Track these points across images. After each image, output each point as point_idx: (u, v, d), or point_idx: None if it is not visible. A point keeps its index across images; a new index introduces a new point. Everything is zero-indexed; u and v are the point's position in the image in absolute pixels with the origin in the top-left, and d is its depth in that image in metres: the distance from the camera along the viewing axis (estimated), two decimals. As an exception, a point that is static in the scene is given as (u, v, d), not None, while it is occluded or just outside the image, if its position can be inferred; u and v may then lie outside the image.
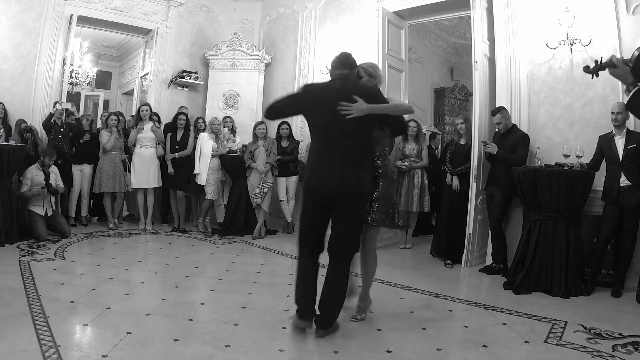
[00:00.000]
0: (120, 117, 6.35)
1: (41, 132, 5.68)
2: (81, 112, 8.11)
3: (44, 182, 5.02)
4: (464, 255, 4.66)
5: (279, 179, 6.08)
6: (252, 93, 6.94)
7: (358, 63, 2.89)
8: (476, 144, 4.60)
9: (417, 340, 2.77)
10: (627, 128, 3.82)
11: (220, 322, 2.93)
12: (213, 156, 5.89)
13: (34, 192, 4.98)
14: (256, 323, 2.90)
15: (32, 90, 5.99)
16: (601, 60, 2.41)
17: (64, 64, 6.26)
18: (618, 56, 4.20)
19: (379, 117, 2.76)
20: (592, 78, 2.81)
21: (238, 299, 3.34)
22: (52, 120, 5.55)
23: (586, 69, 2.72)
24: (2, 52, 5.84)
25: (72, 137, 5.78)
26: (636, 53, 2.19)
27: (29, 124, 5.56)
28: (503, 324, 3.09)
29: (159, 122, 6.21)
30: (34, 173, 5.04)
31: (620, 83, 4.08)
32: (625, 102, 3.08)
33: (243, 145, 6.21)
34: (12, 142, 5.05)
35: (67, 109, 5.71)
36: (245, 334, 2.76)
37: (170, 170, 5.99)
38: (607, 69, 2.40)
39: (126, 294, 3.40)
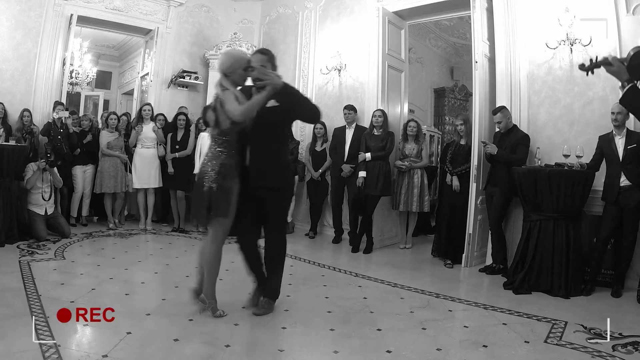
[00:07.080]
0: (122, 117, 6.35)
1: (40, 138, 5.68)
2: (81, 112, 8.10)
3: (45, 157, 5.03)
4: (464, 255, 4.66)
5: (279, 178, 6.06)
6: (251, 93, 6.95)
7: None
8: (476, 144, 4.60)
9: (417, 340, 2.77)
10: (627, 128, 3.81)
11: (220, 322, 2.92)
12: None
13: (36, 175, 4.97)
14: (256, 323, 2.90)
15: (32, 90, 6.00)
16: (596, 59, 2.44)
17: (63, 64, 6.27)
18: (618, 56, 4.19)
19: None
20: (587, 75, 2.80)
21: (238, 299, 3.33)
22: (51, 121, 5.55)
23: (581, 67, 2.72)
24: (2, 52, 5.84)
25: (72, 141, 5.76)
26: (631, 52, 2.24)
27: (31, 126, 5.56)
28: (503, 324, 3.10)
29: (165, 122, 6.22)
30: (35, 169, 5.04)
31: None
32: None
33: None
34: (12, 142, 5.04)
35: (64, 117, 5.72)
36: (245, 334, 2.76)
37: (171, 170, 5.99)
38: (602, 67, 2.45)
39: (126, 294, 3.40)
